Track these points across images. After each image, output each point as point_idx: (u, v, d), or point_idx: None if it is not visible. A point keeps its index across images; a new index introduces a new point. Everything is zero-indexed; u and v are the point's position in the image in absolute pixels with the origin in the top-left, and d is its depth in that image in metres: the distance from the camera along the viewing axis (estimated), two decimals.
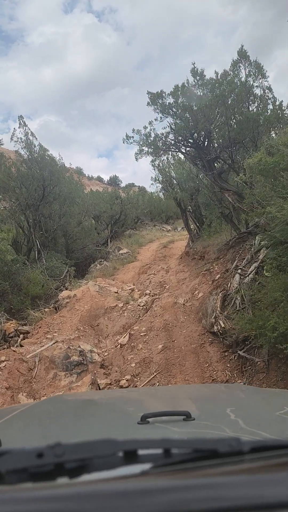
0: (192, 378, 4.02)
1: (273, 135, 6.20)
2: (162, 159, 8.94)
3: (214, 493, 0.42)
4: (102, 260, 11.43)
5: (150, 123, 6.38)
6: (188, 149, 7.00)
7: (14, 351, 4.82)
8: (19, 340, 5.48)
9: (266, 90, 5.97)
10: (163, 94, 5.96)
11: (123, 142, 6.70)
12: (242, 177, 4.54)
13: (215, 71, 5.67)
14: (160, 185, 10.33)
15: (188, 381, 3.96)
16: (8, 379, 4.17)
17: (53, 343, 4.98)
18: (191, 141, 6.58)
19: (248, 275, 4.89)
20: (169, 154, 8.11)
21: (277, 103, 6.30)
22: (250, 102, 5.99)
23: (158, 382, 4.12)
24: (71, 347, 4.85)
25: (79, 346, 4.96)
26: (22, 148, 9.88)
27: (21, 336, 5.71)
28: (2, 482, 0.45)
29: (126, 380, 4.28)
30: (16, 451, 0.48)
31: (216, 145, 6.67)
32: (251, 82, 5.92)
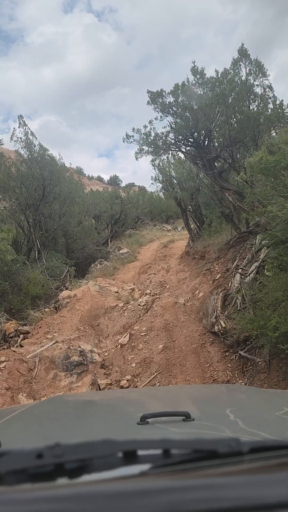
0: (192, 378, 4.00)
1: (274, 134, 6.17)
2: (162, 158, 8.92)
3: (214, 493, 0.42)
4: (103, 259, 11.41)
5: (150, 122, 6.36)
6: (188, 148, 6.97)
7: (14, 351, 4.80)
8: (19, 340, 5.47)
9: (267, 89, 5.95)
10: (163, 93, 5.94)
11: (123, 142, 6.68)
12: (242, 176, 4.52)
13: (215, 69, 5.66)
14: (160, 185, 10.31)
15: (189, 381, 3.94)
16: (8, 379, 4.16)
17: (53, 343, 4.97)
18: (191, 140, 6.56)
19: (249, 275, 4.87)
20: (169, 153, 8.10)
21: (278, 102, 6.28)
22: (251, 101, 5.96)
23: (158, 382, 4.10)
24: (71, 347, 4.84)
25: (79, 346, 4.94)
26: (22, 147, 9.87)
27: (21, 336, 5.69)
28: (2, 483, 0.45)
29: (127, 380, 4.26)
30: (15, 452, 0.48)
31: (216, 144, 6.64)
32: (252, 81, 5.90)
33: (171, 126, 6.35)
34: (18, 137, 9.68)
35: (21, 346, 5.24)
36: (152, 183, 10.14)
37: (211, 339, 4.62)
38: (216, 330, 4.49)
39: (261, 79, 5.85)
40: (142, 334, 5.30)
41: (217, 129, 6.25)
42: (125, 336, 5.37)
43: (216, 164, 6.84)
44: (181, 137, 6.50)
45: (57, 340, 5.10)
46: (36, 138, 9.94)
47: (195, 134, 6.43)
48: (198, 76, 5.81)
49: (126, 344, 5.17)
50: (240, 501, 0.41)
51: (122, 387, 4.15)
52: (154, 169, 9.79)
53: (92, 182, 33.75)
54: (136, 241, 13.10)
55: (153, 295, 6.93)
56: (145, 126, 6.44)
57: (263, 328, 3.23)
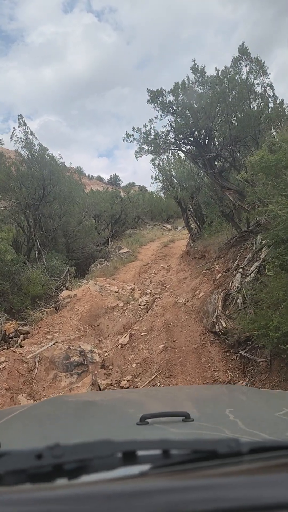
0: (193, 378, 3.98)
1: (274, 133, 6.15)
2: (163, 157, 8.89)
3: (213, 494, 0.42)
4: (103, 259, 11.39)
5: (150, 121, 6.33)
6: (188, 147, 6.95)
7: (14, 351, 4.78)
8: (19, 341, 5.45)
9: (268, 87, 5.92)
10: (163, 92, 5.91)
11: (123, 141, 6.65)
12: (243, 175, 4.49)
13: (216, 67, 5.63)
14: (161, 184, 10.28)
15: (190, 382, 3.92)
16: (8, 380, 4.14)
17: (53, 344, 4.95)
18: (192, 139, 6.53)
19: (249, 274, 4.85)
20: (169, 152, 8.07)
21: (278, 101, 6.25)
22: (251, 100, 5.93)
23: (159, 382, 4.08)
24: (71, 347, 4.82)
25: (80, 347, 4.92)
26: (22, 147, 9.85)
27: (21, 336, 5.67)
28: (1, 483, 0.45)
29: (127, 381, 4.24)
30: (15, 452, 0.48)
31: (217, 143, 6.61)
32: (252, 79, 5.86)
33: (171, 125, 6.33)
34: (18, 137, 9.67)
35: (21, 346, 5.22)
36: (152, 183, 10.12)
37: (211, 339, 4.60)
38: (217, 330, 4.46)
39: (261, 78, 5.83)
40: (142, 334, 5.28)
41: (217, 128, 6.22)
42: (125, 336, 5.35)
43: (216, 163, 6.81)
44: (181, 136, 6.47)
45: (57, 340, 5.08)
46: (36, 137, 9.93)
47: (195, 133, 6.40)
48: (198, 75, 5.78)
49: (126, 344, 5.15)
50: (239, 501, 0.41)
51: (122, 387, 4.13)
52: (154, 168, 9.78)
53: (92, 182, 33.73)
54: (136, 241, 13.08)
55: (153, 295, 6.91)
56: (145, 125, 6.42)
57: (264, 328, 3.20)
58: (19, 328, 5.90)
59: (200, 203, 9.57)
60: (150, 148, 6.58)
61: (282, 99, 6.37)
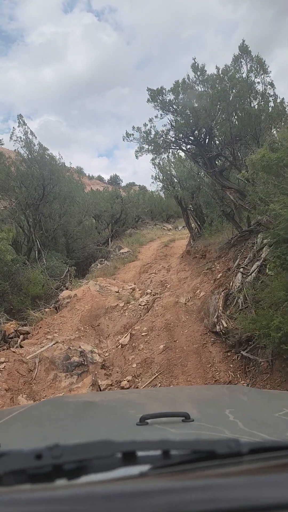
0: (194, 379, 3.96)
1: (274, 132, 6.12)
2: (163, 157, 8.86)
3: (213, 494, 0.42)
4: (103, 259, 11.36)
5: (150, 120, 6.30)
6: (188, 146, 6.91)
7: (14, 352, 4.76)
8: (19, 341, 5.43)
9: (268, 86, 5.88)
10: (163, 91, 5.87)
11: (123, 140, 6.62)
12: (244, 174, 4.46)
13: (216, 66, 5.59)
14: (161, 184, 10.26)
15: (190, 382, 3.90)
16: (8, 380, 4.12)
17: (54, 344, 4.93)
18: (192, 138, 6.50)
19: (250, 274, 4.82)
20: (169, 152, 8.04)
21: (278, 100, 6.22)
22: (252, 98, 5.89)
23: (159, 383, 4.06)
24: (71, 347, 4.79)
25: (80, 347, 4.90)
26: (21, 147, 9.82)
27: (21, 336, 5.65)
28: (1, 483, 0.45)
29: (127, 381, 4.22)
30: (14, 453, 0.48)
31: (217, 142, 6.58)
32: (253, 78, 5.83)
33: (171, 124, 6.29)
34: (17, 137, 9.65)
35: (21, 346, 5.20)
36: (153, 182, 10.10)
37: (212, 339, 4.58)
38: (217, 330, 4.44)
39: (262, 76, 5.79)
40: (143, 334, 5.26)
41: (218, 126, 6.19)
42: (125, 336, 5.33)
43: (217, 162, 6.78)
44: (181, 135, 6.44)
45: (57, 341, 5.05)
46: (35, 137, 9.91)
47: (196, 132, 6.37)
48: (198, 73, 5.74)
49: (126, 344, 5.12)
50: (239, 502, 0.41)
51: (123, 387, 4.11)
52: (155, 168, 9.75)
53: (92, 182, 33.70)
54: (136, 241, 13.05)
55: (153, 295, 6.88)
56: (145, 125, 6.39)
57: (265, 328, 3.18)
58: (19, 328, 5.88)
59: (200, 202, 9.54)
60: (150, 147, 6.55)
61: (283, 98, 6.35)
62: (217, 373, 3.93)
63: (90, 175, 39.41)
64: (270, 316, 3.22)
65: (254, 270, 4.78)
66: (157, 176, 9.91)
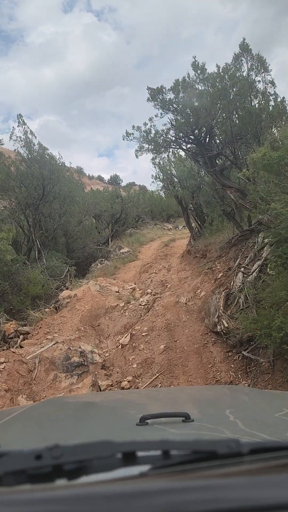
0: (195, 379, 3.93)
1: (275, 131, 6.09)
2: (163, 156, 8.83)
3: (213, 494, 0.42)
4: (103, 259, 11.34)
5: (150, 119, 6.27)
6: (189, 145, 6.88)
7: (13, 352, 4.74)
8: (19, 341, 5.41)
9: (269, 84, 5.85)
10: (163, 90, 5.84)
11: (123, 139, 6.60)
12: (245, 173, 4.44)
13: (217, 64, 5.54)
14: (161, 183, 10.23)
15: (191, 382, 3.87)
16: (8, 381, 4.09)
17: (53, 344, 4.90)
18: (192, 137, 6.47)
19: (251, 274, 4.79)
20: (169, 151, 8.00)
21: (279, 99, 6.19)
22: (252, 97, 5.86)
23: (160, 383, 4.03)
24: (71, 347, 4.77)
25: (80, 347, 4.87)
26: (21, 147, 9.80)
27: (21, 337, 5.63)
28: (1, 484, 0.45)
29: (128, 382, 4.19)
30: (14, 453, 0.48)
31: (217, 141, 6.55)
32: (253, 76, 5.80)
33: (171, 123, 6.26)
34: (17, 136, 9.62)
35: (21, 347, 5.18)
36: (153, 182, 10.07)
37: (213, 339, 4.55)
38: (218, 330, 4.41)
39: (263, 75, 5.76)
40: (143, 334, 5.23)
41: (218, 125, 6.16)
42: (126, 336, 5.31)
43: (217, 161, 6.75)
44: (181, 134, 6.41)
45: (57, 341, 5.03)
46: (35, 137, 9.88)
47: (196, 131, 6.34)
48: (199, 71, 5.71)
49: (127, 344, 5.10)
50: (239, 502, 0.41)
51: (123, 388, 4.08)
52: (155, 167, 9.72)
53: (92, 182, 33.68)
54: (136, 240, 13.03)
55: (154, 295, 6.86)
56: (145, 124, 6.36)
57: (267, 328, 3.16)
58: (19, 329, 5.85)
59: (201, 202, 9.51)
60: (150, 146, 6.52)
61: (283, 97, 6.31)
62: (218, 373, 3.91)
63: (90, 175, 39.40)
64: (271, 316, 3.20)
65: (255, 270, 4.75)
66: (157, 176, 9.90)
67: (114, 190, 17.73)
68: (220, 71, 5.65)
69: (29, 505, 0.40)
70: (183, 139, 6.60)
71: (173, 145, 6.81)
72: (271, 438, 0.85)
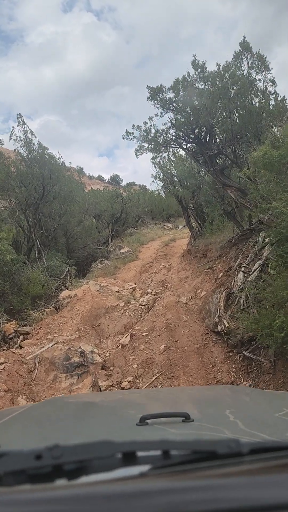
0: (196, 379, 3.91)
1: (275, 130, 6.06)
2: (163, 156, 8.81)
3: (213, 494, 0.42)
4: (103, 259, 11.32)
5: (150, 118, 6.24)
6: (189, 145, 6.86)
7: (13, 352, 4.72)
8: (19, 341, 5.39)
9: (269, 83, 5.82)
10: (163, 89, 5.81)
11: (123, 139, 6.58)
12: (246, 172, 4.41)
13: (217, 62, 5.52)
14: (161, 183, 10.21)
15: (192, 383, 3.85)
16: (7, 381, 4.07)
17: (54, 344, 4.88)
18: (192, 136, 6.44)
19: (252, 273, 4.77)
20: (169, 150, 7.98)
21: (279, 98, 6.16)
22: (253, 96, 5.83)
23: (160, 383, 4.01)
24: (71, 348, 4.75)
25: (80, 347, 4.85)
26: (21, 146, 9.78)
27: (21, 337, 5.61)
28: (1, 484, 0.45)
29: (128, 382, 4.17)
30: (14, 453, 0.48)
31: (218, 140, 6.53)
32: (254, 75, 5.77)
33: (171, 122, 6.24)
34: (17, 136, 9.60)
35: (21, 347, 5.16)
36: (153, 181, 10.06)
37: (214, 339, 4.53)
38: (219, 330, 4.39)
39: (263, 73, 5.73)
40: (143, 334, 5.21)
41: (218, 124, 6.13)
42: (126, 336, 5.29)
43: (217, 161, 6.72)
44: (181, 133, 6.38)
45: (57, 341, 5.01)
46: (35, 136, 9.85)
47: (196, 130, 6.32)
48: (199, 70, 5.68)
49: (127, 344, 5.08)
50: (239, 502, 0.41)
51: (123, 388, 4.07)
52: (155, 167, 9.70)
53: (92, 182, 33.66)
54: (137, 240, 13.01)
55: (154, 294, 6.84)
56: (145, 123, 6.34)
57: (268, 328, 3.13)
58: (19, 329, 5.84)
59: (201, 201, 9.49)
60: (150, 146, 6.50)
61: (284, 96, 6.29)
62: (219, 373, 3.89)
63: (90, 175, 39.40)
64: (272, 316, 3.18)
65: (256, 269, 4.73)
66: (157, 175, 9.88)
67: (114, 190, 17.71)
68: (221, 69, 5.62)
69: (29, 505, 0.40)
70: (183, 138, 6.57)
71: (173, 144, 6.79)
72: (271, 438, 0.84)
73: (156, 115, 6.22)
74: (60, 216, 10.71)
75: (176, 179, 9.76)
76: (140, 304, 6.28)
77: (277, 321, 3.01)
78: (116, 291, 7.01)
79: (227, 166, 6.73)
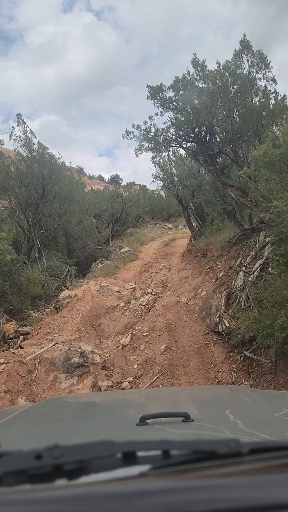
0: (196, 379, 3.89)
1: (275, 129, 6.03)
2: (163, 155, 8.78)
3: (213, 494, 0.42)
4: (104, 259, 11.31)
5: (150, 117, 6.22)
6: (189, 144, 6.83)
7: (13, 353, 4.70)
8: (19, 342, 5.37)
9: (270, 81, 5.79)
10: (163, 87, 5.79)
11: (123, 138, 6.55)
12: (246, 171, 4.38)
13: (217, 61, 5.49)
14: (161, 183, 10.19)
15: (192, 383, 3.83)
16: (7, 382, 4.06)
17: (54, 344, 4.87)
18: (192, 135, 6.42)
19: (253, 273, 4.75)
20: (169, 150, 7.95)
21: (279, 98, 6.14)
22: (253, 95, 5.80)
23: (161, 384, 3.99)
24: (71, 348, 4.73)
25: (80, 347, 4.84)
26: (21, 146, 9.76)
27: (21, 337, 5.59)
28: (1, 483, 0.45)
29: (128, 382, 4.15)
30: (14, 453, 0.48)
31: (218, 139, 6.50)
32: (254, 74, 5.74)
33: (171, 121, 6.22)
34: (17, 136, 9.58)
35: (21, 347, 5.15)
36: (153, 181, 10.05)
37: (214, 339, 4.51)
38: (220, 330, 4.37)
39: (264, 71, 5.70)
40: (144, 334, 5.19)
41: (219, 123, 6.10)
42: (126, 337, 5.27)
43: (218, 160, 6.69)
44: (181, 132, 6.36)
45: (58, 341, 5.00)
46: (35, 136, 9.83)
47: (196, 129, 6.29)
48: (199, 69, 5.65)
49: (127, 344, 5.06)
50: (239, 502, 0.41)
51: (123, 389, 4.05)
52: (155, 166, 9.68)
53: (92, 181, 33.64)
54: (137, 240, 13.00)
55: (154, 294, 6.82)
56: (145, 122, 6.32)
57: (269, 328, 3.11)
58: (19, 329, 5.82)
59: (201, 201, 9.46)
60: (150, 145, 6.48)
61: (284, 95, 6.26)
62: (219, 373, 3.87)
63: (91, 175, 39.39)
64: (273, 316, 3.15)
65: (257, 269, 4.71)
66: (158, 175, 9.86)
67: (114, 190, 17.68)
68: (221, 68, 5.59)
69: (29, 505, 0.40)
70: (183, 138, 6.55)
71: (173, 143, 6.77)
72: (271, 438, 0.84)
73: (156, 114, 6.20)
74: (60, 216, 10.70)
75: (176, 179, 9.74)
76: (141, 304, 6.26)
77: (278, 321, 2.98)
78: (117, 291, 6.99)
79: (228, 165, 6.71)
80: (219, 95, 5.42)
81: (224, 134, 6.28)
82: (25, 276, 7.38)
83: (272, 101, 6.09)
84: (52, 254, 9.57)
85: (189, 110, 5.82)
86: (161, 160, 9.50)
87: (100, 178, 41.18)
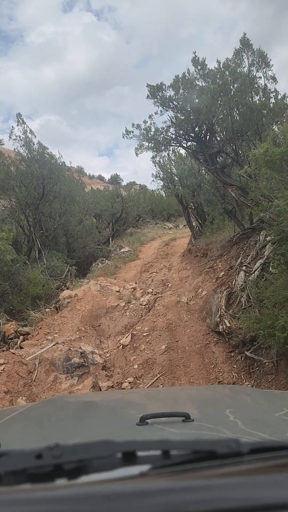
0: (197, 380, 3.87)
1: (276, 128, 6.01)
2: (163, 155, 8.76)
3: (213, 494, 0.42)
4: (104, 258, 11.29)
5: (150, 117, 6.19)
6: (189, 143, 6.81)
7: (13, 353, 4.69)
8: (19, 342, 5.36)
9: (270, 80, 5.76)
10: (163, 86, 5.76)
11: (123, 137, 6.53)
12: (247, 170, 4.36)
13: (217, 59, 5.46)
14: (161, 182, 10.17)
15: (193, 383, 3.81)
16: (7, 382, 4.04)
17: (54, 345, 4.85)
18: (193, 134, 6.39)
19: (253, 272, 4.72)
20: (169, 149, 7.93)
21: (280, 96, 6.11)
22: (253, 93, 5.78)
23: (161, 384, 3.98)
24: (72, 348, 4.72)
25: (80, 348, 4.82)
26: (21, 146, 9.74)
27: (21, 337, 5.58)
28: (1, 483, 0.45)
29: (129, 383, 4.14)
30: (14, 452, 0.48)
31: (218, 138, 6.47)
32: (254, 72, 5.71)
33: (171, 120, 6.19)
34: (16, 136, 9.57)
35: (21, 347, 5.13)
36: (153, 181, 10.02)
37: (215, 339, 4.49)
38: (220, 330, 4.35)
39: (264, 70, 5.67)
40: (144, 334, 5.18)
41: (219, 122, 6.08)
42: (127, 337, 5.25)
43: (218, 159, 6.67)
44: (182, 131, 6.33)
45: (58, 341, 4.98)
46: (35, 136, 9.82)
47: (196, 128, 6.27)
48: (199, 67, 5.62)
49: (128, 344, 5.04)
50: (239, 502, 0.41)
51: (124, 389, 4.03)
52: (155, 166, 9.66)
53: (93, 181, 33.62)
54: (137, 240, 12.98)
55: (155, 294, 6.80)
56: (145, 121, 6.29)
57: (270, 328, 3.09)
58: (19, 329, 5.81)
59: (201, 200, 9.44)
60: (150, 144, 6.45)
61: (285, 93, 6.23)
62: (220, 374, 3.85)
63: (91, 175, 39.37)
64: (274, 316, 3.13)
65: (257, 268, 4.68)
66: (158, 175, 9.84)
67: (114, 190, 17.67)
68: (221, 66, 5.56)
69: (29, 504, 0.41)
70: (183, 137, 6.52)
71: (173, 143, 6.74)
72: (271, 438, 0.84)
73: (156, 113, 6.17)
74: (60, 215, 10.68)
75: (176, 178, 9.72)
76: (141, 304, 6.24)
77: (279, 321, 2.96)
78: (117, 291, 6.97)
79: (228, 164, 6.68)
80: (219, 94, 5.40)
81: (224, 133, 6.26)
82: (25, 276, 7.36)
83: (273, 100, 6.07)
84: (52, 254, 9.56)
85: (189, 109, 5.79)
86: (161, 160, 9.49)
87: (100, 178, 41.17)
